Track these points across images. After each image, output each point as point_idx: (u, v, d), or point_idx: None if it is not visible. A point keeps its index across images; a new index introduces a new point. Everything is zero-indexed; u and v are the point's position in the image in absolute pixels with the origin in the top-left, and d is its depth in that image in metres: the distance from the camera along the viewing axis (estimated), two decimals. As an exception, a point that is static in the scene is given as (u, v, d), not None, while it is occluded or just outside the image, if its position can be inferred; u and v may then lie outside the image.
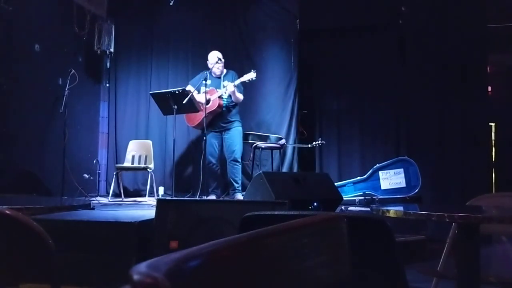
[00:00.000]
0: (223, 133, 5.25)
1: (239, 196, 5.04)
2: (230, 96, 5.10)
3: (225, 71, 5.29)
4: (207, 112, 4.90)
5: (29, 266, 1.49)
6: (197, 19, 6.54)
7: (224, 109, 5.15)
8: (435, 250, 3.02)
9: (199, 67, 6.11)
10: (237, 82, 5.07)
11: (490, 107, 5.68)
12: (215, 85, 5.17)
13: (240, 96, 5.13)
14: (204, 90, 4.92)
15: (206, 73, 4.93)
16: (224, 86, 5.12)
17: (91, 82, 6.54)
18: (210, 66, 5.20)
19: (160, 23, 6.63)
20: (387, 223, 1.42)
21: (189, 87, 5.10)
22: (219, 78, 5.23)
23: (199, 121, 5.06)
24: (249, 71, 5.09)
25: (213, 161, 5.27)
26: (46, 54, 5.48)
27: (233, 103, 5.18)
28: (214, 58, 5.20)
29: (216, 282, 0.70)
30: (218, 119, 5.17)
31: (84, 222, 3.14)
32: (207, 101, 5.00)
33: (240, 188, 5.20)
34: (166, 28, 6.62)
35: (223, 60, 5.21)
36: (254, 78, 5.01)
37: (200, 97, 5.01)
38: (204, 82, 4.84)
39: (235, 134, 5.23)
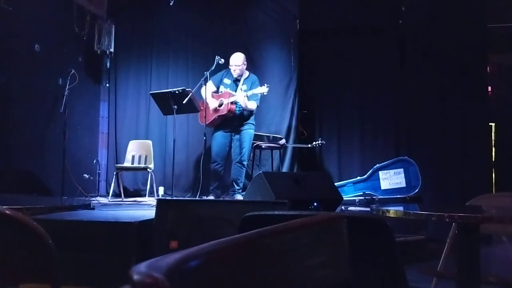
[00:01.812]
0: (233, 134, 5.16)
1: (239, 197, 5.03)
2: None
3: (247, 73, 5.18)
4: (217, 115, 4.92)
5: (29, 266, 1.49)
6: (197, 19, 6.54)
7: (237, 113, 5.04)
8: (435, 250, 3.02)
9: (199, 67, 6.12)
10: (250, 93, 4.96)
11: (490, 107, 5.67)
12: (232, 88, 5.10)
13: (251, 105, 5.01)
14: (221, 90, 5.03)
15: (207, 74, 4.92)
16: (241, 90, 5.04)
17: (91, 82, 6.54)
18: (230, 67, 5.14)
19: (160, 23, 6.62)
20: (387, 223, 1.42)
21: (210, 84, 5.04)
22: (238, 80, 5.13)
23: (210, 120, 5.00)
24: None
25: (219, 161, 5.17)
26: (46, 54, 5.48)
27: (247, 110, 5.08)
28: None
29: (216, 282, 0.70)
30: (230, 120, 5.09)
31: (84, 222, 3.14)
32: (220, 104, 4.99)
33: (240, 190, 5.18)
34: (166, 28, 6.61)
35: (234, 62, 5.07)
36: (265, 93, 4.92)
37: (212, 99, 5.00)
38: (203, 82, 4.84)
39: (245, 136, 5.13)
